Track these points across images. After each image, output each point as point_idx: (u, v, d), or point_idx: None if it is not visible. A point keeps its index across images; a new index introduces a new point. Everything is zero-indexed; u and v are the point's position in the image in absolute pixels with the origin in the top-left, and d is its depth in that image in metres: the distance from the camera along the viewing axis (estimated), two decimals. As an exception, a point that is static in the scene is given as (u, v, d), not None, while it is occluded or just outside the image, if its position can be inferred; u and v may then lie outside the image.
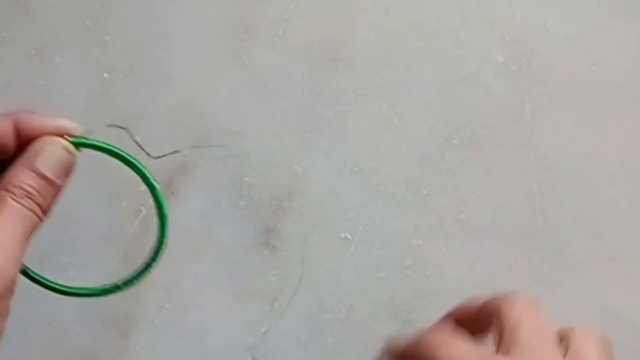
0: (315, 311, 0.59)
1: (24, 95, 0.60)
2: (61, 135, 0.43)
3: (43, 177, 0.41)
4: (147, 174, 0.45)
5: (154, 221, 0.59)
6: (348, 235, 0.59)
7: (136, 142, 0.50)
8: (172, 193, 0.59)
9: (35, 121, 0.42)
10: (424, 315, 0.59)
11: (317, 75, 0.60)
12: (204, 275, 0.58)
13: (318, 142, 0.60)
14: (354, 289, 0.59)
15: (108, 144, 0.45)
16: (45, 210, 0.41)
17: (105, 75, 0.60)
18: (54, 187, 0.42)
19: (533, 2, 0.62)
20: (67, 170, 0.43)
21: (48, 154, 0.42)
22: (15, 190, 0.40)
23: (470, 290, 0.59)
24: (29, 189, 0.40)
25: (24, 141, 0.42)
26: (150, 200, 0.59)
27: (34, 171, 0.41)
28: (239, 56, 0.60)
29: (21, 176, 0.40)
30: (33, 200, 0.40)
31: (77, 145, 0.43)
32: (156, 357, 0.57)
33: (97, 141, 0.44)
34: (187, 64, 0.60)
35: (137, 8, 0.61)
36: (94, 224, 0.59)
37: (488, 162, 0.60)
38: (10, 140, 0.42)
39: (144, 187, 0.61)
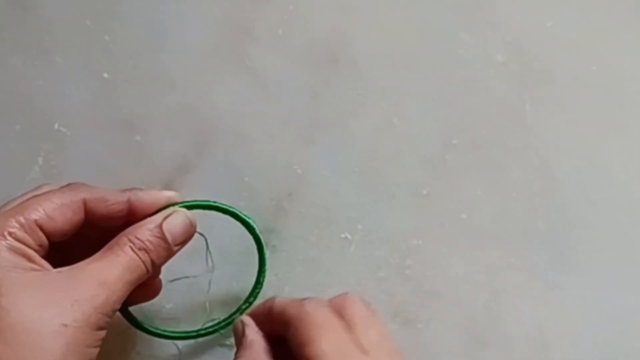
0: (315, 311, 0.59)
1: (24, 95, 0.60)
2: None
3: (163, 238, 0.46)
4: (257, 233, 0.53)
5: (154, 221, 0.59)
6: (348, 235, 0.59)
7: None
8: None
9: (148, 195, 0.48)
10: (424, 315, 0.59)
11: (318, 75, 0.60)
12: (204, 275, 0.58)
13: (318, 143, 0.60)
14: (354, 289, 0.59)
15: (214, 202, 0.52)
16: (154, 267, 0.46)
17: (105, 75, 0.60)
18: (168, 251, 0.47)
19: (533, 2, 0.62)
20: (185, 239, 0.49)
21: (175, 221, 0.48)
22: (136, 241, 0.45)
23: (471, 290, 0.59)
24: (148, 245, 0.45)
25: (138, 214, 0.47)
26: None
27: (158, 232, 0.46)
28: (239, 56, 0.60)
29: (145, 232, 0.46)
30: (148, 255, 0.45)
31: (190, 208, 0.50)
32: (156, 357, 0.57)
33: (205, 201, 0.52)
34: (187, 64, 0.60)
35: (137, 8, 0.61)
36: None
37: (488, 163, 0.60)
38: (122, 206, 0.47)
39: (144, 187, 0.61)
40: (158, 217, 0.47)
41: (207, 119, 0.60)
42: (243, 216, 0.53)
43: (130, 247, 0.45)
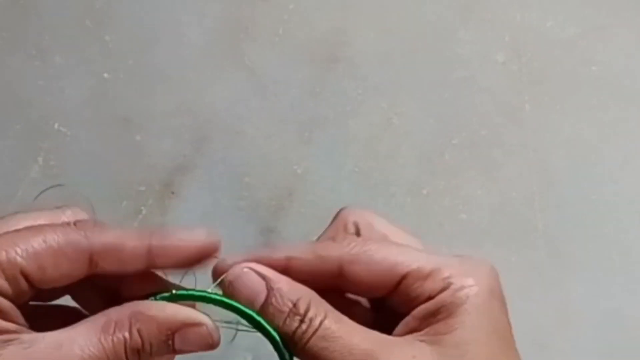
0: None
1: (24, 95, 0.60)
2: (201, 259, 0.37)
3: (168, 345, 0.35)
4: (279, 342, 0.37)
5: (154, 221, 0.59)
6: (348, 235, 0.59)
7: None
8: (172, 193, 0.59)
9: (172, 243, 0.36)
10: (424, 315, 0.59)
11: (317, 75, 0.60)
12: (204, 275, 0.58)
13: (318, 142, 0.60)
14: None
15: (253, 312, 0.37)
16: None
17: (105, 75, 0.60)
18: (168, 356, 0.37)
19: (533, 2, 0.62)
20: (193, 350, 0.37)
21: (192, 337, 0.36)
22: (134, 336, 0.35)
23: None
24: (147, 347, 0.35)
25: (159, 265, 0.37)
26: (150, 200, 0.59)
27: (167, 335, 0.35)
28: (239, 56, 0.60)
29: (153, 327, 0.35)
30: (139, 356, 0.35)
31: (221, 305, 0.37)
32: None
33: (202, 292, 0.38)
34: (187, 64, 0.60)
35: (137, 8, 0.61)
36: (94, 224, 0.59)
37: (488, 162, 0.60)
38: (138, 260, 0.36)
39: (144, 187, 0.61)
40: (179, 318, 0.36)
41: (206, 119, 0.60)
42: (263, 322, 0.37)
43: (125, 341, 0.34)
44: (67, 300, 0.40)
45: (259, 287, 0.36)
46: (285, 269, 0.37)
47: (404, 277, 0.37)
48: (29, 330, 0.35)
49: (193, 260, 0.37)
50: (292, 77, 0.60)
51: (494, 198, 0.60)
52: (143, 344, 0.35)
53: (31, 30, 0.60)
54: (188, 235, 0.37)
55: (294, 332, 0.35)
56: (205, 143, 0.60)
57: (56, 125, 0.60)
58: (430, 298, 0.36)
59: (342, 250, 0.37)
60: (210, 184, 0.59)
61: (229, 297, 0.37)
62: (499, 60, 0.61)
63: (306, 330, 0.35)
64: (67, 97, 0.60)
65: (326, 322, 0.35)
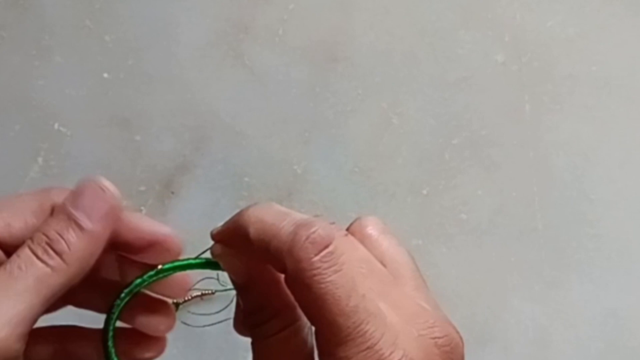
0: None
1: (23, 95, 0.60)
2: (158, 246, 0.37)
3: (74, 221, 0.34)
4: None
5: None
6: (348, 235, 0.59)
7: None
8: (172, 193, 0.59)
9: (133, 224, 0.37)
10: (423, 315, 0.59)
11: (317, 75, 0.60)
12: (204, 275, 0.58)
13: (318, 142, 0.60)
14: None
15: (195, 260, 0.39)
16: (70, 262, 0.34)
17: (105, 75, 0.60)
18: (86, 236, 0.34)
19: (533, 2, 0.62)
20: (107, 216, 0.35)
21: (86, 197, 0.35)
22: (36, 236, 0.33)
23: (470, 290, 0.59)
24: (53, 234, 0.33)
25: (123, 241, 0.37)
26: (150, 200, 0.59)
27: (65, 215, 0.34)
28: (239, 56, 0.60)
29: (49, 220, 0.34)
30: (53, 248, 0.33)
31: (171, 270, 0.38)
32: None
33: (187, 260, 0.39)
34: (187, 64, 0.60)
35: (137, 8, 0.61)
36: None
37: (488, 162, 0.60)
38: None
39: (144, 187, 0.61)
40: (68, 196, 0.35)
41: (206, 119, 0.60)
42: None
43: (28, 246, 0.33)
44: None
45: (240, 273, 0.37)
46: None
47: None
48: None
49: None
50: (292, 77, 0.60)
51: (494, 198, 0.60)
52: (47, 235, 0.34)
53: (31, 30, 0.60)
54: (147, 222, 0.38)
55: (250, 325, 0.36)
56: (205, 143, 0.60)
57: (56, 125, 0.60)
58: None
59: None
60: (210, 183, 0.59)
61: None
62: (499, 60, 0.61)
63: (254, 333, 0.36)
64: (67, 97, 0.60)
65: (271, 338, 0.35)
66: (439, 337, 0.33)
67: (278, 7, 0.61)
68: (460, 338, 0.35)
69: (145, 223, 0.37)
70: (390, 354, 0.31)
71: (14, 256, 0.33)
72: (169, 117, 0.60)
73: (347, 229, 0.37)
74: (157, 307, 0.40)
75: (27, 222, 0.34)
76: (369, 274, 0.34)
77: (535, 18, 0.61)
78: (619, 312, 0.59)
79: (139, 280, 0.37)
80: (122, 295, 0.37)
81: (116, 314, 0.38)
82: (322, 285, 0.32)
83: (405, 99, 0.60)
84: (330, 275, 0.32)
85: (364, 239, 0.36)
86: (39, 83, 0.60)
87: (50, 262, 0.33)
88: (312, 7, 0.61)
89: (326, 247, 0.32)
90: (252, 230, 0.34)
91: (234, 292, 0.38)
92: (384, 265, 0.35)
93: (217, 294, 0.45)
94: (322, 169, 0.60)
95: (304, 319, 0.35)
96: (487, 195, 0.60)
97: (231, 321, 0.50)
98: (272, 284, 0.36)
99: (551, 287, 0.59)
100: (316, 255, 0.32)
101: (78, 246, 0.34)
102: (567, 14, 0.62)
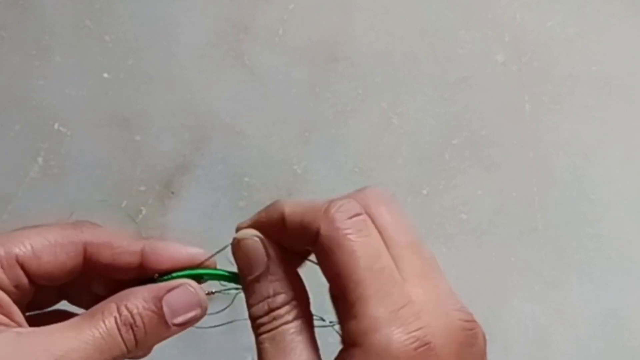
0: (315, 311, 0.59)
1: (23, 95, 0.60)
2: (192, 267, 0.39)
3: (160, 315, 0.36)
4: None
5: (154, 221, 0.59)
6: (348, 235, 0.59)
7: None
8: (172, 193, 0.59)
9: (166, 250, 0.38)
10: (423, 315, 0.59)
11: (317, 75, 0.60)
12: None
13: (318, 142, 0.60)
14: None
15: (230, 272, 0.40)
16: (140, 347, 0.36)
17: (105, 75, 0.60)
18: (163, 332, 0.37)
19: (533, 2, 0.62)
20: (188, 322, 0.38)
21: (179, 296, 0.37)
22: (124, 313, 0.35)
23: (470, 290, 0.59)
24: (138, 320, 0.36)
25: (151, 268, 0.38)
26: (151, 200, 0.59)
27: (155, 304, 0.36)
28: (239, 56, 0.60)
29: (139, 301, 0.36)
30: (134, 333, 0.36)
31: (212, 277, 0.39)
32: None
33: (229, 272, 0.40)
34: (187, 64, 0.60)
35: (137, 8, 0.61)
36: (94, 224, 0.59)
37: (488, 162, 0.60)
38: (130, 259, 0.38)
39: (144, 187, 0.61)
40: (161, 284, 0.37)
41: (206, 119, 0.60)
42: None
43: (115, 319, 0.35)
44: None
45: (261, 260, 0.38)
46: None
47: None
48: (25, 325, 0.36)
49: (180, 267, 0.39)
50: (292, 77, 0.60)
51: (494, 198, 0.60)
52: (134, 318, 0.36)
53: (31, 30, 0.60)
54: (180, 246, 0.39)
55: (256, 317, 0.37)
56: (205, 143, 0.60)
57: (56, 125, 0.60)
58: None
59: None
60: (210, 183, 0.59)
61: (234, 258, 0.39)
62: (499, 60, 0.61)
63: (264, 324, 0.36)
64: (67, 97, 0.60)
65: (285, 327, 0.36)
66: (466, 320, 0.34)
67: (278, 7, 0.61)
68: (483, 333, 0.36)
69: (175, 249, 0.39)
70: (413, 321, 0.33)
71: (98, 321, 0.35)
72: (169, 117, 0.60)
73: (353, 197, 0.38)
74: None
75: (57, 258, 0.36)
76: (406, 254, 0.36)
77: (536, 18, 0.61)
78: (619, 312, 0.59)
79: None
80: None
81: None
82: (354, 244, 0.34)
83: (405, 99, 0.60)
84: (361, 237, 0.34)
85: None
86: (39, 83, 0.60)
87: (129, 345, 0.36)
88: (312, 7, 0.61)
89: (358, 214, 0.35)
90: (288, 209, 0.36)
91: (234, 292, 0.39)
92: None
93: (217, 294, 0.45)
94: (322, 169, 0.60)
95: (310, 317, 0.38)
96: (487, 195, 0.60)
97: (232, 322, 0.50)
98: (289, 274, 0.38)
99: (551, 287, 0.59)
100: (350, 218, 0.35)
101: (154, 337, 0.37)
102: (567, 14, 0.62)
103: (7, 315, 0.36)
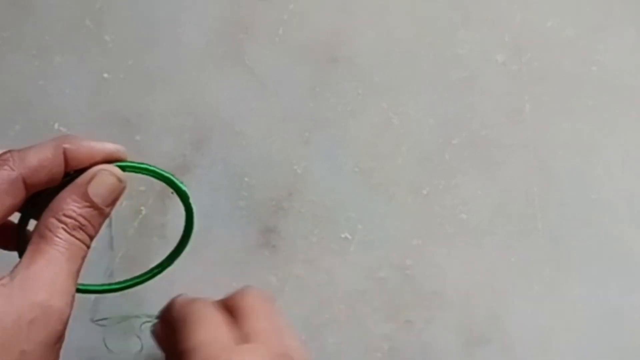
0: (315, 311, 0.59)
1: (23, 95, 0.60)
2: (110, 161, 0.42)
3: (94, 206, 0.40)
4: (190, 202, 0.47)
5: (154, 221, 0.59)
6: (348, 235, 0.59)
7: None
8: (172, 193, 0.59)
9: (84, 148, 0.42)
10: (424, 315, 0.59)
11: (317, 75, 0.60)
12: (204, 275, 0.58)
13: (318, 142, 0.60)
14: (354, 289, 0.59)
15: (150, 166, 0.45)
16: (92, 240, 0.41)
17: (105, 75, 0.60)
18: (102, 216, 0.41)
19: (533, 2, 0.62)
20: (117, 198, 0.42)
21: (100, 182, 0.41)
22: (68, 221, 0.39)
23: (470, 290, 0.59)
24: (82, 220, 0.40)
25: (72, 168, 0.42)
26: (151, 200, 0.59)
27: (86, 200, 0.40)
28: (239, 56, 0.60)
29: (73, 206, 0.40)
30: (85, 232, 0.40)
31: (124, 169, 0.43)
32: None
33: (140, 164, 0.45)
34: (187, 64, 0.60)
35: (137, 8, 0.61)
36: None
37: (488, 162, 0.60)
38: (60, 168, 0.41)
39: (143, 187, 0.61)
40: (83, 183, 0.41)
41: (206, 119, 0.60)
42: (179, 183, 0.47)
43: (64, 230, 0.39)
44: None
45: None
46: None
47: None
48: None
49: (99, 159, 0.42)
50: (292, 77, 0.60)
51: (494, 198, 0.60)
52: (77, 221, 0.40)
53: (31, 30, 0.60)
54: (98, 142, 0.43)
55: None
56: (205, 143, 0.60)
57: (56, 125, 0.60)
58: None
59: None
60: (210, 183, 0.59)
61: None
62: (499, 60, 0.61)
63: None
64: (67, 97, 0.60)
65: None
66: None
67: (278, 7, 0.61)
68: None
69: (94, 145, 0.43)
70: None
71: (51, 238, 0.39)
72: (169, 117, 0.60)
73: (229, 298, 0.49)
74: None
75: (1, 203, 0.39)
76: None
77: (536, 18, 0.61)
78: (619, 312, 0.59)
79: None
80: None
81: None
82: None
83: (406, 99, 0.60)
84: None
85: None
86: (39, 83, 0.60)
87: (86, 242, 0.40)
88: (312, 7, 0.61)
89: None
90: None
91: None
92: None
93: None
94: (322, 169, 0.60)
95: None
96: (487, 195, 0.60)
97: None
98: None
99: (551, 287, 0.59)
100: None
101: (98, 226, 0.41)
102: (567, 14, 0.62)
103: None
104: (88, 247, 0.40)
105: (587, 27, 0.62)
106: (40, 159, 0.40)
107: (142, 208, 0.59)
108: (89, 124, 0.60)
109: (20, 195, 0.39)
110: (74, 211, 0.40)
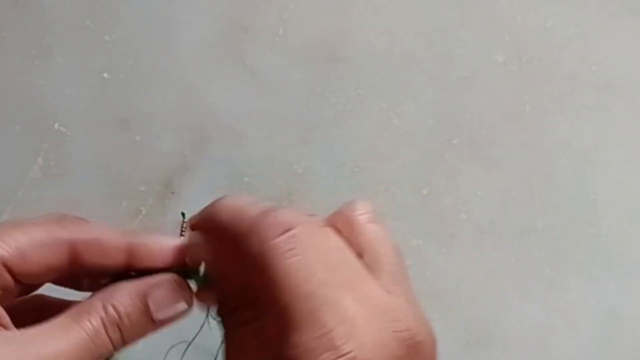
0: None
1: (24, 95, 0.60)
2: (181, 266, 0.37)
3: (146, 313, 0.36)
4: None
5: (154, 221, 0.59)
6: (348, 235, 0.59)
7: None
8: (172, 193, 0.59)
9: (154, 244, 0.37)
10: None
11: (317, 75, 0.60)
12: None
13: (318, 142, 0.60)
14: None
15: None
16: (126, 343, 0.36)
17: (105, 75, 0.60)
18: (149, 327, 0.36)
19: (533, 2, 0.62)
20: (174, 318, 0.37)
21: (165, 293, 0.36)
22: (110, 312, 0.35)
23: (470, 290, 0.59)
24: (124, 319, 0.35)
25: (139, 262, 0.37)
26: (151, 200, 0.59)
27: (142, 302, 0.36)
28: (239, 56, 0.60)
29: (125, 299, 0.35)
30: (120, 332, 0.35)
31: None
32: None
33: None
34: (187, 64, 0.60)
35: (137, 8, 0.61)
36: (94, 224, 0.59)
37: (488, 162, 0.60)
38: (121, 259, 0.37)
39: (144, 187, 0.61)
40: (147, 281, 0.36)
41: (206, 119, 0.60)
42: None
43: (102, 319, 0.35)
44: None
45: None
46: None
47: None
48: (11, 328, 0.35)
49: (169, 263, 0.37)
50: (292, 77, 0.60)
51: (494, 198, 0.60)
52: (120, 317, 0.35)
53: (31, 30, 0.60)
54: (166, 240, 0.38)
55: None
56: (205, 143, 0.60)
57: (56, 125, 0.60)
58: None
59: None
60: (210, 184, 0.59)
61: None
62: (499, 60, 0.61)
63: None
64: (67, 97, 0.60)
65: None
66: (401, 331, 0.33)
67: (278, 7, 0.61)
68: (432, 336, 0.35)
69: (159, 246, 0.38)
70: (342, 344, 0.31)
71: (85, 321, 0.34)
72: (169, 117, 0.60)
73: (336, 211, 0.37)
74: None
75: (42, 258, 0.35)
76: (338, 264, 0.33)
77: (536, 18, 0.61)
78: (619, 312, 0.59)
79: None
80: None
81: None
82: (280, 268, 0.32)
83: (406, 99, 0.60)
84: (288, 258, 0.32)
85: (349, 225, 0.36)
86: (39, 83, 0.60)
87: (115, 343, 0.35)
88: (312, 7, 0.61)
89: (290, 229, 0.32)
90: (224, 215, 0.35)
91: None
92: (362, 255, 0.35)
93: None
94: (322, 169, 0.60)
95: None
96: (487, 195, 0.60)
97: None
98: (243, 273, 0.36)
99: (551, 287, 0.59)
100: (277, 237, 0.32)
101: (139, 333, 0.36)
102: (567, 14, 0.62)
103: None
104: (115, 349, 0.35)
105: (587, 26, 0.62)
106: (97, 235, 0.37)
107: (142, 208, 0.59)
108: (89, 124, 0.60)
109: (60, 259, 0.36)
110: (123, 305, 0.35)
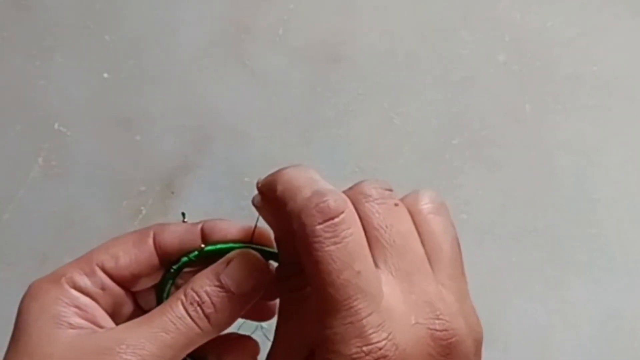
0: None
1: (24, 95, 0.60)
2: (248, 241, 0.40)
3: (225, 287, 0.37)
4: None
5: (154, 221, 0.59)
6: (348, 235, 0.59)
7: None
8: (173, 193, 0.59)
9: (221, 226, 0.40)
10: (424, 315, 0.59)
11: (318, 75, 0.60)
12: (205, 275, 0.58)
13: (318, 142, 0.60)
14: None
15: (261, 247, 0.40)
16: (215, 324, 0.37)
17: (105, 75, 0.60)
18: (233, 302, 0.37)
19: (534, 2, 0.62)
20: (256, 286, 0.38)
21: (236, 265, 0.38)
22: (189, 293, 0.37)
23: (471, 290, 0.59)
24: (204, 296, 0.37)
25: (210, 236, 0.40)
26: (151, 200, 0.59)
27: (217, 280, 0.37)
28: (240, 56, 0.60)
29: (201, 281, 0.37)
30: (203, 311, 0.37)
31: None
32: None
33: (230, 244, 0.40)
34: (187, 64, 0.60)
35: (137, 8, 0.61)
36: (94, 224, 0.59)
37: (488, 162, 0.60)
38: (197, 241, 0.39)
39: (144, 187, 0.61)
40: (220, 261, 0.38)
41: (207, 119, 0.60)
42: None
43: (181, 302, 0.37)
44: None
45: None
46: None
47: None
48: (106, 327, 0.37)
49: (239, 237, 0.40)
50: (293, 77, 0.60)
51: (495, 198, 0.60)
52: (199, 296, 0.37)
53: (31, 30, 0.60)
54: (232, 222, 0.40)
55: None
56: (205, 143, 0.60)
57: (56, 125, 0.60)
58: None
59: None
60: (211, 184, 0.59)
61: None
62: (500, 60, 0.61)
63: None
64: (67, 97, 0.60)
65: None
66: (438, 330, 0.33)
67: (278, 7, 0.61)
68: (473, 337, 0.35)
69: (227, 225, 0.40)
70: (371, 334, 0.32)
71: (167, 308, 0.36)
72: (169, 117, 0.60)
73: (403, 198, 0.38)
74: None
75: (131, 255, 0.39)
76: (399, 251, 0.34)
77: (536, 18, 0.61)
78: (620, 312, 0.59)
79: (185, 259, 0.40)
80: (172, 270, 0.40)
81: (167, 288, 0.40)
82: (319, 254, 0.32)
83: (407, 99, 0.60)
84: (328, 246, 0.33)
85: (414, 214, 0.37)
86: (39, 83, 0.60)
87: (200, 323, 0.36)
88: (313, 7, 0.61)
89: (332, 218, 0.33)
90: (279, 189, 0.36)
91: None
92: (424, 245, 0.36)
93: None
94: (323, 169, 0.59)
95: None
96: (488, 195, 0.60)
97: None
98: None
99: (552, 287, 0.59)
100: (320, 224, 0.33)
101: (225, 310, 0.37)
102: (568, 14, 0.62)
103: (91, 319, 0.37)
104: (203, 329, 0.37)
105: (588, 27, 0.62)
106: (177, 225, 0.40)
107: (142, 208, 0.59)
108: (90, 124, 0.60)
109: (147, 251, 0.39)
110: (200, 286, 0.37)
